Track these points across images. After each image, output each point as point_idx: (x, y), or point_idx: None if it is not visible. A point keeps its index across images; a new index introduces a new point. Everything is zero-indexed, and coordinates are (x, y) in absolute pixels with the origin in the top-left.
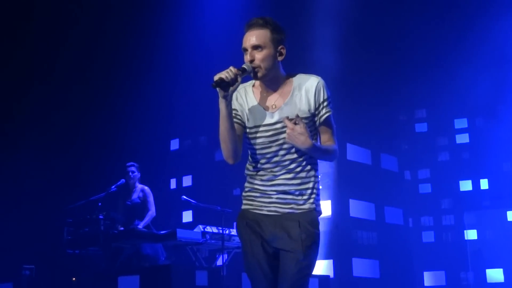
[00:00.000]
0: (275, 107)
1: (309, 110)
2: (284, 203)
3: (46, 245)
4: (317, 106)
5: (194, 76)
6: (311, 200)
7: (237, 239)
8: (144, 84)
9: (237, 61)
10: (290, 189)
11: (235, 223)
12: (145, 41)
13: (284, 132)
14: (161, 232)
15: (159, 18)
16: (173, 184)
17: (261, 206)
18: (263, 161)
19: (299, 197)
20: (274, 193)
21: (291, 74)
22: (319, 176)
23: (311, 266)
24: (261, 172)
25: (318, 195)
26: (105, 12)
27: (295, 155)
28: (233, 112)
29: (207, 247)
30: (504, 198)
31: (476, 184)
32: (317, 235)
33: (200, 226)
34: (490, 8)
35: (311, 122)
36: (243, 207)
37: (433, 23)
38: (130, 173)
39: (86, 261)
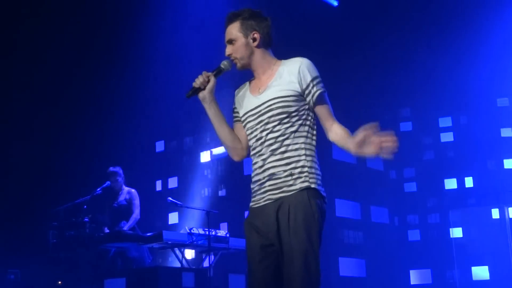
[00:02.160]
0: (260, 91)
1: (293, 90)
2: (275, 188)
3: (31, 248)
4: (304, 87)
5: (179, 78)
6: (302, 179)
7: (223, 240)
8: (129, 86)
9: (219, 60)
10: (278, 171)
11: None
12: (130, 43)
13: (269, 110)
14: (147, 234)
15: (144, 20)
16: (158, 186)
17: (259, 199)
18: (253, 146)
19: (289, 178)
20: (266, 179)
21: (278, 60)
22: (313, 155)
23: (310, 250)
24: (254, 160)
25: (313, 172)
26: (92, 13)
27: (277, 134)
28: (234, 111)
29: (193, 248)
30: (488, 196)
31: (461, 182)
32: (312, 214)
33: (186, 228)
34: (473, 8)
35: (295, 102)
36: (250, 204)
37: (416, 22)
38: (114, 182)
39: (72, 264)
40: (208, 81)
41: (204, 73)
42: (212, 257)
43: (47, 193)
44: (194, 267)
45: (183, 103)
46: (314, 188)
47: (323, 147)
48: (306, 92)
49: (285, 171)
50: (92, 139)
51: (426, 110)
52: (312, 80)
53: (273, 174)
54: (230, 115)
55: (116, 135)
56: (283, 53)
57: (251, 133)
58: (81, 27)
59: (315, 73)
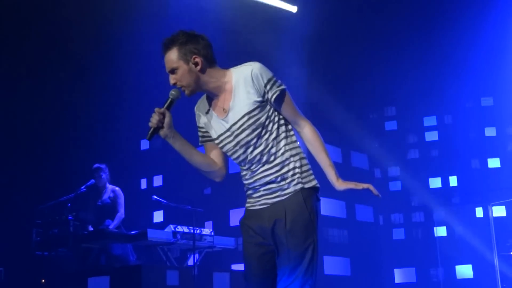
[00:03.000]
0: (225, 111)
1: (255, 101)
2: (271, 193)
3: (14, 247)
4: (262, 93)
5: (165, 74)
6: (295, 181)
7: (208, 238)
8: (114, 83)
9: None
10: (271, 178)
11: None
12: (116, 39)
13: (242, 130)
14: (132, 232)
15: (131, 18)
16: (143, 184)
17: (254, 202)
18: (240, 164)
19: (283, 182)
20: (260, 186)
21: (227, 71)
22: (298, 152)
23: (308, 252)
24: (243, 173)
25: (303, 172)
26: (81, 10)
27: (261, 147)
28: (200, 130)
29: (178, 247)
30: (472, 195)
31: (445, 181)
32: (308, 215)
33: (171, 226)
34: (459, 7)
35: (262, 111)
36: (246, 205)
37: (401, 21)
38: (98, 177)
39: (56, 263)
40: (164, 117)
41: (157, 110)
42: (197, 255)
43: (31, 190)
44: (178, 265)
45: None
46: (307, 188)
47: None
48: (265, 97)
49: (277, 176)
50: (76, 137)
51: (411, 109)
52: (266, 84)
53: (267, 182)
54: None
55: (101, 133)
56: (268, 49)
57: (232, 154)
58: (68, 24)
59: (269, 74)
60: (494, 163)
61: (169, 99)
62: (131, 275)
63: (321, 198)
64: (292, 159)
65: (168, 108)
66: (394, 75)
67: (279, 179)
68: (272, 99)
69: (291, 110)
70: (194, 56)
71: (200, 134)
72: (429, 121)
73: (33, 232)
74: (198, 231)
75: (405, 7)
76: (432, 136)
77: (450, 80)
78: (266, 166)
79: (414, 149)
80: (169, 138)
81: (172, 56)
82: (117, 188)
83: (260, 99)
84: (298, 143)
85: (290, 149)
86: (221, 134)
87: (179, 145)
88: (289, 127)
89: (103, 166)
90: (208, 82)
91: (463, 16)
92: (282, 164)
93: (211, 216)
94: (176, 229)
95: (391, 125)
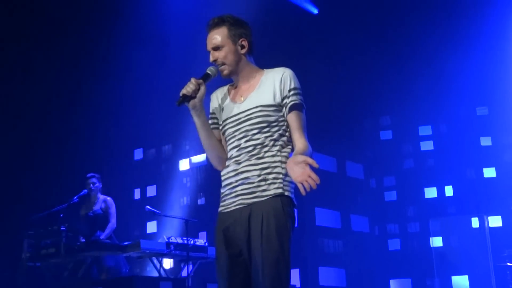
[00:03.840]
0: (242, 99)
1: (274, 99)
2: (248, 193)
3: (6, 258)
4: (283, 96)
5: (157, 85)
6: (276, 185)
7: (202, 249)
8: (107, 93)
9: (201, 66)
10: (252, 175)
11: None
12: (106, 47)
13: (249, 119)
14: (125, 243)
15: (122, 25)
16: (137, 194)
17: (230, 203)
18: (230, 152)
19: (262, 183)
20: (238, 183)
21: (260, 69)
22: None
23: (281, 258)
24: (227, 163)
25: (288, 180)
26: (74, 15)
27: (257, 141)
28: (211, 116)
29: (171, 257)
30: (468, 205)
31: (441, 191)
32: (285, 221)
33: (165, 237)
34: (455, 17)
35: (275, 112)
36: (218, 209)
37: (397, 31)
38: (91, 185)
39: (48, 274)
40: (199, 88)
41: (194, 80)
42: (191, 266)
43: (23, 201)
44: (172, 276)
45: (162, 110)
46: (287, 196)
47: None
48: (284, 102)
49: (259, 175)
50: (70, 147)
51: (406, 119)
52: (291, 89)
53: (246, 178)
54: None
55: (94, 142)
56: (259, 62)
57: (229, 139)
58: (62, 28)
59: (296, 84)
60: (489, 172)
61: (207, 74)
62: (123, 287)
63: (316, 208)
64: (279, 164)
65: (204, 81)
66: (389, 84)
67: (259, 178)
68: (288, 106)
69: (297, 123)
70: (242, 39)
71: (210, 121)
72: (425, 130)
73: (24, 243)
74: (191, 242)
75: (402, 17)
76: (427, 145)
77: (445, 89)
78: (253, 161)
79: (409, 158)
80: (197, 110)
81: (221, 34)
82: (108, 198)
83: (279, 100)
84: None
85: (281, 157)
86: (228, 118)
87: (202, 122)
88: (290, 141)
89: (97, 175)
90: (244, 69)
91: (459, 26)
92: (269, 165)
93: (205, 227)
94: (170, 240)
95: (386, 135)
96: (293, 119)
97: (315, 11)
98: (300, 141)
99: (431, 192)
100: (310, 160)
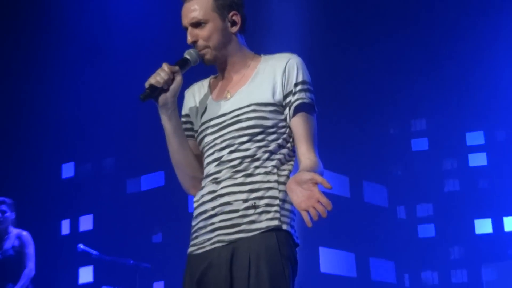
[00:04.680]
0: (229, 95)
1: (273, 95)
2: (230, 225)
3: None
4: (286, 91)
5: (99, 75)
6: (271, 214)
7: None
8: (26, 86)
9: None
10: (236, 200)
11: None
12: (31, 37)
13: (236, 122)
14: None
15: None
16: (65, 227)
17: (204, 241)
18: (207, 168)
19: (251, 212)
20: (216, 211)
21: (256, 55)
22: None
23: None
24: (203, 183)
25: (286, 209)
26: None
27: (245, 153)
28: (184, 119)
29: None
30: None
31: (498, 224)
32: (281, 267)
33: None
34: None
35: (275, 114)
36: (188, 250)
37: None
38: (0, 214)
39: None
40: (173, 79)
41: (167, 67)
42: None
43: None
44: None
45: (104, 111)
46: (286, 231)
47: None
48: (287, 100)
49: (245, 200)
50: None
51: (448, 122)
52: (298, 83)
53: (227, 203)
54: None
55: (4, 156)
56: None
57: (207, 150)
58: None
59: (305, 76)
60: None
61: (185, 59)
62: None
63: (320, 248)
64: (276, 185)
65: (180, 69)
66: (425, 76)
67: (247, 204)
68: (293, 106)
69: (304, 133)
70: (233, 13)
71: (183, 127)
72: (474, 138)
73: None
74: None
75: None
76: (478, 159)
77: (503, 83)
78: (239, 180)
79: (453, 178)
80: (168, 109)
81: (204, 4)
82: (24, 233)
83: (280, 98)
84: None
85: (279, 176)
86: (208, 121)
87: (174, 126)
88: (292, 155)
89: (8, 200)
90: (233, 53)
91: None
92: (260, 185)
93: (162, 274)
94: None
95: (419, 144)
96: (299, 124)
97: None
98: (307, 155)
99: (484, 226)
100: (319, 179)
